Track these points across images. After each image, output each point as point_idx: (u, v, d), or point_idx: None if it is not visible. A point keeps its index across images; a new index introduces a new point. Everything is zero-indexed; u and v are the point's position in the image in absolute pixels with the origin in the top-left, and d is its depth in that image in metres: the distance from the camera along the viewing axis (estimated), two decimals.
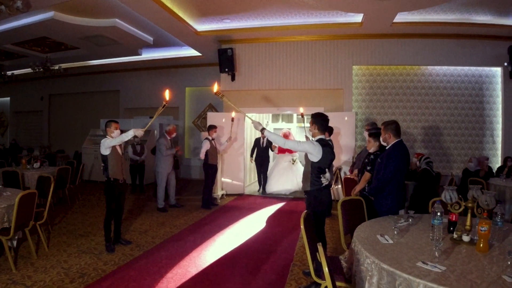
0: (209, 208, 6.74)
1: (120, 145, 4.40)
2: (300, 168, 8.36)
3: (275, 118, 12.00)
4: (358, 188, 3.97)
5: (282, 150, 8.44)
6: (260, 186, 8.70)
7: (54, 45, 8.90)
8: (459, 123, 7.65)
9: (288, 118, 11.84)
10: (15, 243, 3.91)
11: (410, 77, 7.80)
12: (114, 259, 4.03)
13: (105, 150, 4.20)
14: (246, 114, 4.39)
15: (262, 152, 8.46)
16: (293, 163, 8.45)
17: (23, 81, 13.13)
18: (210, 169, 6.75)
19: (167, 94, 3.96)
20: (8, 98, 14.39)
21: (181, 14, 6.96)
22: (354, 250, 2.47)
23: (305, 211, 2.90)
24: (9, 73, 10.58)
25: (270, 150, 8.51)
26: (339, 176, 6.74)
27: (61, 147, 12.53)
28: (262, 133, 3.61)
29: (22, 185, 5.70)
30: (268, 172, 8.69)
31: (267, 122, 12.04)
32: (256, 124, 3.63)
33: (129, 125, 9.83)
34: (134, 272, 3.67)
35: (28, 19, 6.93)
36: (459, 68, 7.65)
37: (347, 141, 7.38)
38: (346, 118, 7.49)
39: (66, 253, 4.18)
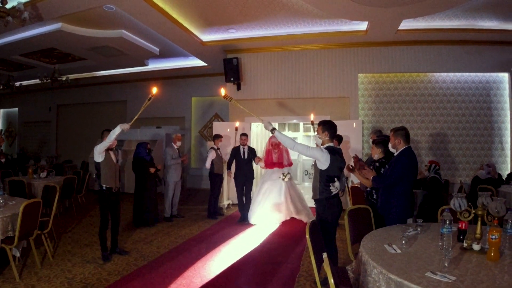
0: (215, 218, 6.68)
1: (114, 153, 4.37)
2: (295, 186, 6.68)
3: (281, 127, 11.98)
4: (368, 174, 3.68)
5: (270, 164, 6.47)
6: (241, 214, 6.51)
7: (61, 56, 9.04)
8: (467, 130, 7.53)
9: (295, 127, 11.82)
10: (19, 252, 3.91)
11: (417, 84, 7.74)
12: (118, 269, 3.99)
13: (98, 156, 4.14)
14: (252, 113, 4.36)
15: (243, 167, 6.44)
16: (284, 179, 6.34)
17: (32, 92, 13.30)
18: (216, 178, 6.72)
19: (154, 89, 4.00)
20: (17, 109, 14.57)
21: (186, 24, 7.03)
22: (361, 260, 2.41)
23: (311, 220, 2.86)
24: (17, 83, 10.75)
25: (254, 163, 6.58)
26: (346, 185, 6.66)
27: (69, 157, 12.62)
28: (273, 133, 3.62)
29: (28, 194, 5.72)
30: (252, 194, 6.69)
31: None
32: (266, 124, 3.64)
33: (136, 135, 9.89)
34: (137, 282, 3.63)
35: (36, 30, 7.04)
36: (466, 74, 7.57)
37: (354, 150, 7.30)
38: (354, 125, 7.43)
39: (71, 262, 4.16)
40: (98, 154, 4.12)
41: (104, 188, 4.27)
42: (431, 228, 2.96)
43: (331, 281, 1.74)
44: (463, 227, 2.57)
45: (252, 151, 6.60)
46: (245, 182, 6.52)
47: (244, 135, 6.63)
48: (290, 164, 6.64)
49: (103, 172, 4.24)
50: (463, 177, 7.38)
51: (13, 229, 3.54)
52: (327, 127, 3.55)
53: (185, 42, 7.77)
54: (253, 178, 6.69)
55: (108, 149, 4.23)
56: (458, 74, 7.60)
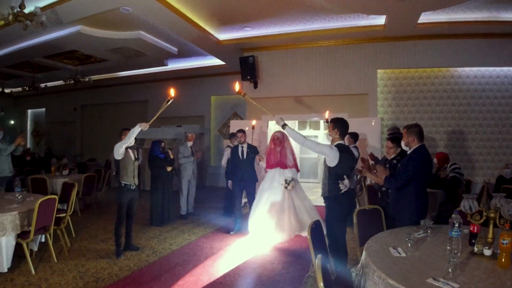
0: (230, 216, 6.70)
1: (133, 151, 4.47)
2: (301, 195, 5.51)
3: (302, 125, 11.88)
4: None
5: (272, 163, 5.46)
6: (236, 224, 5.61)
7: (83, 58, 9.35)
8: (492, 127, 7.11)
9: (315, 125, 11.69)
10: (36, 247, 4.08)
11: (438, 79, 7.41)
12: (129, 265, 4.08)
13: (118, 154, 4.25)
14: (264, 109, 4.37)
15: (242, 168, 5.56)
16: (286, 187, 5.17)
17: (57, 93, 13.84)
18: None
19: (172, 91, 4.02)
20: (44, 109, 15.22)
21: (202, 24, 7.08)
22: (364, 263, 2.33)
23: (313, 220, 2.80)
24: (42, 85, 11.21)
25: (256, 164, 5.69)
26: (363, 184, 6.49)
27: (93, 156, 13.04)
28: (284, 129, 3.63)
29: (49, 191, 5.95)
30: (254, 202, 5.48)
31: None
32: (278, 119, 3.66)
33: (157, 134, 10.07)
34: (146, 278, 3.70)
35: (57, 33, 7.30)
36: (490, 69, 7.15)
37: (373, 148, 7.10)
38: (373, 123, 7.22)
39: (85, 257, 4.29)
40: (118, 152, 4.23)
41: (123, 184, 4.40)
42: (442, 231, 2.81)
43: (320, 284, 1.69)
44: (475, 231, 2.43)
45: (252, 149, 5.72)
46: (245, 186, 5.65)
47: (241, 132, 5.77)
48: (294, 166, 5.50)
49: (122, 169, 4.38)
50: (487, 176, 7.00)
51: (29, 224, 3.70)
52: (338, 124, 3.52)
53: (201, 41, 7.82)
54: (256, 180, 5.76)
55: (127, 147, 4.34)
56: (482, 69, 7.20)
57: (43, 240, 4.23)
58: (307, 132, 11.58)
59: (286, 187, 5.18)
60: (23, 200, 4.03)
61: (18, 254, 3.81)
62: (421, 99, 7.48)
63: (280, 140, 5.44)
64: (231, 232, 5.52)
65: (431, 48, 7.18)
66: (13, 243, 3.66)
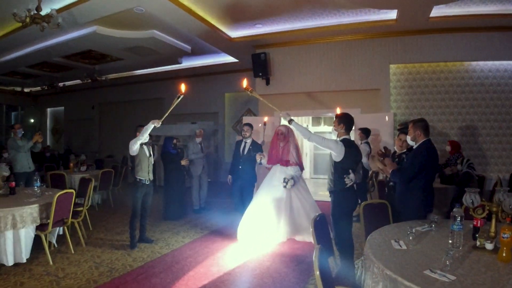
0: (241, 212, 6.80)
1: (148, 147, 4.62)
2: (303, 196, 5.05)
3: (316, 121, 11.83)
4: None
5: (273, 158, 5.12)
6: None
7: (100, 57, 9.61)
8: (507, 122, 6.90)
9: (330, 121, 11.64)
10: (55, 239, 4.29)
11: (452, 74, 7.27)
12: (143, 256, 4.25)
13: (132, 151, 4.41)
14: (270, 105, 4.40)
15: (241, 165, 5.31)
16: (285, 186, 4.87)
17: (75, 91, 14.23)
18: None
19: (182, 87, 4.15)
20: (63, 108, 15.69)
21: (214, 22, 7.17)
22: (365, 255, 2.38)
23: (317, 214, 2.86)
24: (60, 84, 11.58)
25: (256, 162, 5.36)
26: (374, 181, 6.47)
27: (111, 152, 13.39)
28: (290, 124, 3.70)
29: (68, 186, 6.19)
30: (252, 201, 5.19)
31: (307, 125, 11.91)
32: (284, 114, 3.77)
33: (172, 130, 10.26)
34: (159, 269, 3.85)
35: (74, 33, 7.54)
36: (505, 63, 6.95)
37: (385, 144, 7.04)
38: (387, 119, 7.15)
39: (101, 249, 4.49)
40: (133, 148, 4.40)
41: (138, 179, 4.57)
42: (447, 225, 2.80)
43: (316, 273, 1.75)
44: (478, 225, 2.43)
45: (256, 147, 5.33)
46: (242, 185, 5.31)
47: (247, 125, 5.49)
48: (298, 164, 5.12)
49: (137, 165, 4.57)
50: (503, 172, 6.84)
51: (47, 217, 3.89)
52: (343, 120, 3.57)
53: (214, 39, 7.92)
54: (255, 181, 5.42)
55: (142, 144, 4.51)
56: (497, 63, 7.00)
57: (61, 233, 4.44)
58: (322, 128, 11.53)
59: (284, 186, 4.88)
60: (42, 194, 4.24)
61: (37, 246, 4.01)
62: (434, 94, 7.37)
63: (284, 135, 5.09)
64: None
65: (444, 42, 7.04)
66: (32, 235, 3.87)
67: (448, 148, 5.83)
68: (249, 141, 5.43)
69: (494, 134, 7.03)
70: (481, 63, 7.08)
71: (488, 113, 7.04)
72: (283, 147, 5.08)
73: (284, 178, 4.87)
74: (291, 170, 4.98)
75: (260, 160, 5.18)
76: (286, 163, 5.01)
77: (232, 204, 7.18)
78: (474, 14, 6.18)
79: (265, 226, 4.80)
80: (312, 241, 4.55)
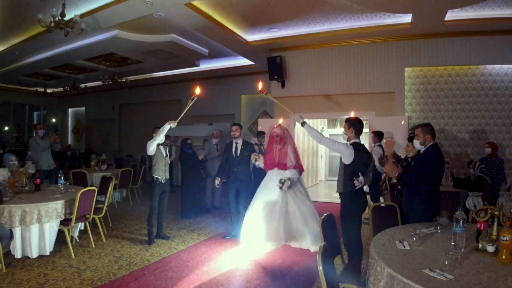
0: None
1: (165, 147, 4.83)
2: (299, 199, 4.83)
3: (332, 123, 11.85)
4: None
5: (269, 164, 4.92)
6: (233, 228, 5.18)
7: (120, 60, 9.98)
8: None
9: None
10: (77, 234, 4.56)
11: (467, 77, 7.21)
12: (160, 251, 4.46)
13: (150, 151, 4.62)
14: (284, 106, 4.51)
15: (235, 167, 5.06)
16: (281, 187, 4.65)
17: (96, 92, 14.68)
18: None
19: (197, 89, 4.32)
20: (84, 108, 16.18)
21: (230, 26, 7.35)
22: (369, 254, 2.49)
23: (326, 214, 2.98)
24: (82, 85, 12.01)
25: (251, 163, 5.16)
26: (387, 184, 6.50)
27: (130, 152, 13.76)
28: (303, 126, 3.80)
29: (89, 184, 6.49)
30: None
31: (322, 127, 11.96)
32: (297, 117, 3.86)
33: (188, 131, 10.49)
34: (175, 264, 4.05)
35: (96, 37, 7.89)
36: None
37: (400, 147, 7.04)
38: (402, 122, 7.15)
39: (120, 244, 4.73)
40: (150, 148, 4.61)
41: (155, 178, 4.78)
42: (452, 228, 2.89)
43: (320, 268, 1.88)
44: (482, 228, 2.50)
45: (248, 147, 5.16)
46: (238, 187, 5.10)
47: (235, 125, 5.23)
48: (297, 167, 4.97)
49: (154, 164, 4.77)
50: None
51: (70, 213, 4.15)
52: (353, 124, 3.65)
53: (230, 42, 8.11)
54: (251, 182, 5.25)
55: (159, 144, 4.72)
56: None
57: (82, 228, 4.71)
58: (338, 130, 11.55)
59: (280, 188, 4.66)
60: (65, 191, 4.51)
61: (60, 240, 4.28)
62: (450, 97, 7.32)
63: (280, 137, 4.88)
64: (227, 237, 5.11)
65: (460, 45, 7.00)
66: (56, 229, 4.13)
67: (488, 150, 5.80)
68: (239, 141, 5.16)
69: (509, 138, 6.94)
70: (497, 66, 7.01)
71: (504, 117, 6.96)
72: (280, 150, 4.93)
73: (280, 179, 4.67)
74: (288, 174, 4.82)
75: (255, 161, 5.00)
76: (283, 167, 4.85)
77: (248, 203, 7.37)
78: (489, 18, 6.14)
79: (261, 230, 4.66)
80: (308, 248, 4.64)
